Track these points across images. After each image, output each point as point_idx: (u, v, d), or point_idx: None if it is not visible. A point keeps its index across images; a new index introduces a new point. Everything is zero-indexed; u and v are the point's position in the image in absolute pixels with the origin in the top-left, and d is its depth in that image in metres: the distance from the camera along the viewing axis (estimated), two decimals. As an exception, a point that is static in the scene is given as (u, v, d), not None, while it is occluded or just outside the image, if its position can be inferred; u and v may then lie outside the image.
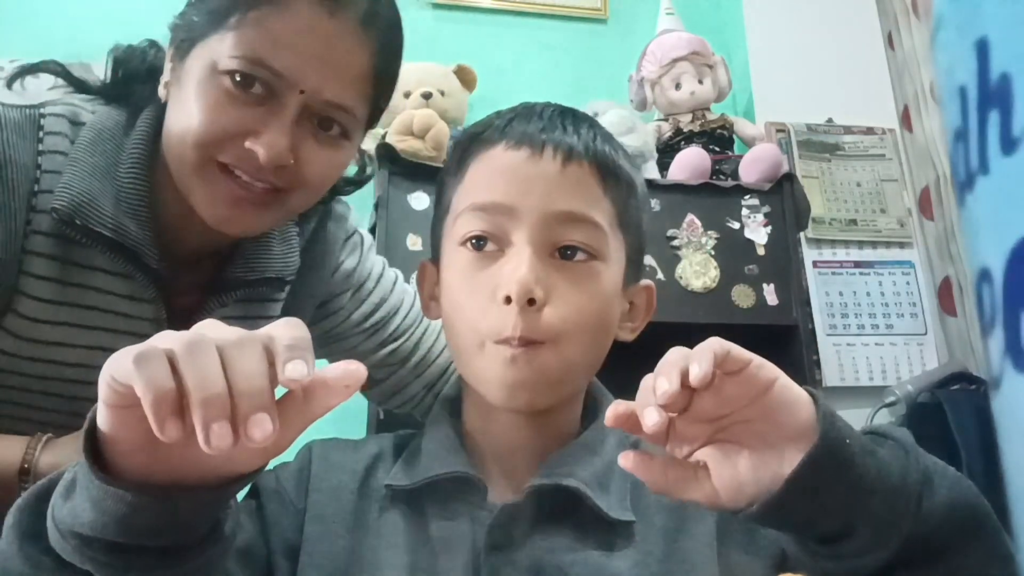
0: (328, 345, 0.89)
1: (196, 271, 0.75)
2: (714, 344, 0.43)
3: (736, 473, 0.44)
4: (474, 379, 0.59)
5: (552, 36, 2.11)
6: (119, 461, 0.39)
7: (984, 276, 0.22)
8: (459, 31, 2.04)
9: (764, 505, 0.44)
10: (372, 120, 0.73)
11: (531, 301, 0.55)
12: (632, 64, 1.88)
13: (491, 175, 0.59)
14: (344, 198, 0.89)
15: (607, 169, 0.60)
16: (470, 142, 0.63)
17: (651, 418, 0.42)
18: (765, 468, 0.44)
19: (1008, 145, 0.21)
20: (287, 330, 0.38)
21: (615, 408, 0.44)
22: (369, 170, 0.90)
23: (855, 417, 1.67)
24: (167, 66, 0.69)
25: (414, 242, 1.40)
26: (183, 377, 0.35)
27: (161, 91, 0.70)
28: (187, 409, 0.35)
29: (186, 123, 0.64)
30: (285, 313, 0.82)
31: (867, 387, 1.76)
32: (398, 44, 0.71)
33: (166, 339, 0.37)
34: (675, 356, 0.44)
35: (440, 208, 0.65)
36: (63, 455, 0.61)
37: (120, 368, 0.35)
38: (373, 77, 0.68)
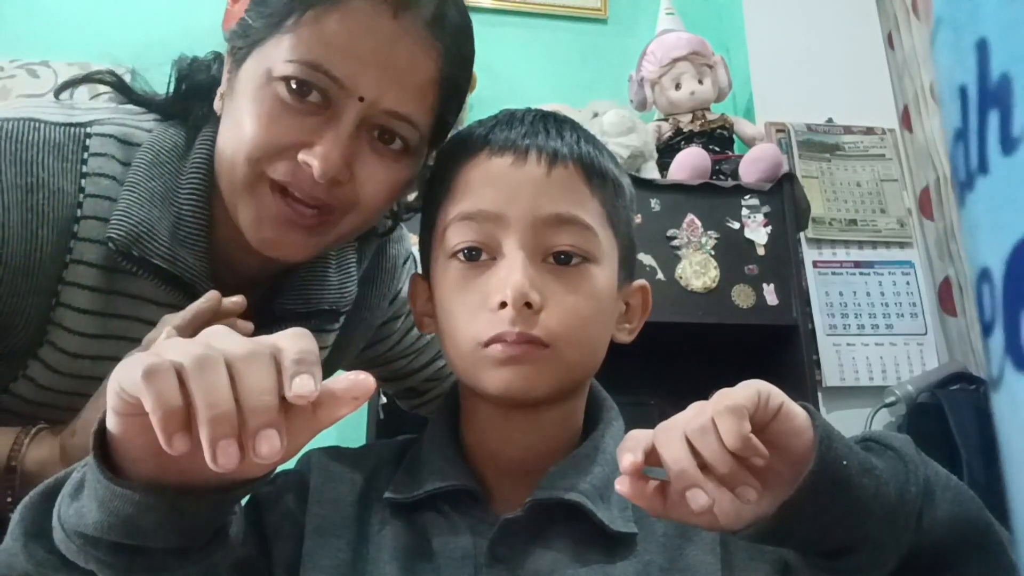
0: (377, 367, 0.86)
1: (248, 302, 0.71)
2: (732, 418, 0.41)
3: (735, 498, 0.44)
4: (471, 380, 0.58)
5: (552, 36, 2.11)
6: (127, 464, 0.39)
7: (984, 276, 0.22)
8: (459, 31, 2.04)
9: (761, 529, 0.44)
10: (438, 136, 0.67)
11: (528, 305, 0.54)
12: (632, 64, 1.88)
13: (476, 183, 0.58)
14: None
15: (593, 170, 0.59)
16: (453, 152, 0.62)
17: (699, 501, 0.41)
18: (764, 493, 0.44)
19: (1008, 145, 0.21)
20: (294, 342, 0.38)
21: (630, 462, 0.44)
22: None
23: (855, 417, 1.68)
24: (224, 77, 0.64)
25: (414, 242, 1.39)
26: (192, 393, 0.35)
27: (217, 104, 0.65)
28: (194, 422, 0.35)
29: (238, 135, 0.59)
30: (338, 342, 0.79)
31: (867, 387, 1.76)
32: (468, 51, 0.66)
33: (175, 349, 0.36)
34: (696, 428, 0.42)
35: (427, 221, 0.64)
36: (48, 451, 0.59)
37: (129, 380, 0.35)
38: (439, 86, 0.62)
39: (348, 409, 0.38)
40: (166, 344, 0.38)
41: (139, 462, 0.39)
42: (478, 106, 1.84)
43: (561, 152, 0.58)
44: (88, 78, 0.69)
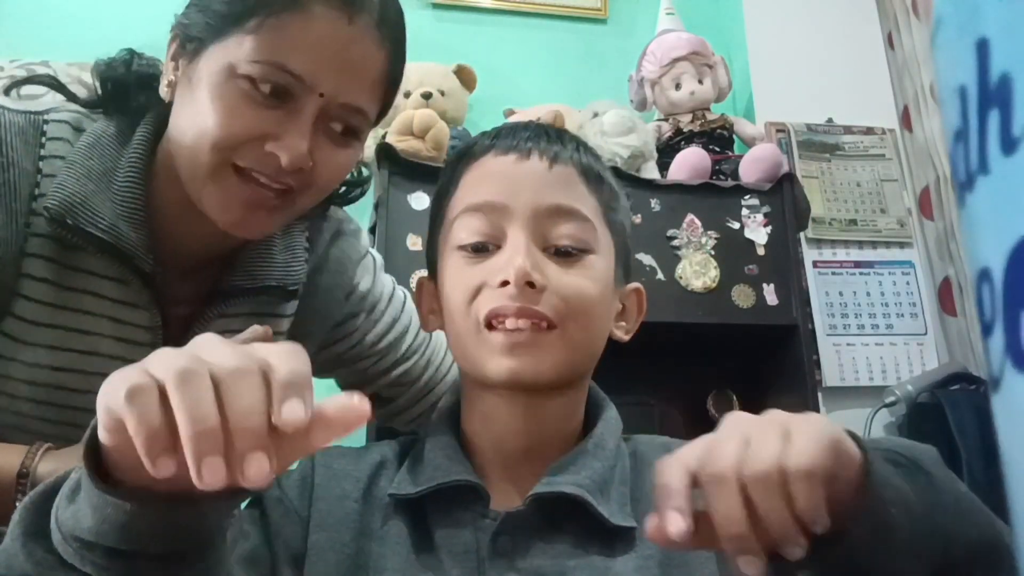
0: (340, 367, 0.87)
1: (195, 280, 0.74)
2: (808, 486, 0.36)
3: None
4: (476, 366, 0.59)
5: (552, 36, 2.11)
6: (119, 472, 0.39)
7: (984, 276, 0.22)
8: (459, 31, 2.04)
9: (783, 567, 0.41)
10: (378, 119, 0.74)
11: (531, 285, 0.57)
12: (632, 64, 1.88)
13: (482, 179, 0.62)
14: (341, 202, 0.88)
15: (591, 171, 0.63)
16: (460, 158, 0.66)
17: (752, 570, 0.37)
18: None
19: (1008, 145, 0.21)
20: (286, 361, 0.37)
21: (679, 530, 0.38)
22: (366, 171, 0.90)
23: (855, 417, 1.68)
24: (168, 65, 0.69)
25: (414, 242, 1.40)
26: (175, 410, 0.34)
27: (164, 91, 0.69)
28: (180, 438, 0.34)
29: (201, 125, 0.63)
30: (295, 331, 0.80)
31: (867, 387, 1.76)
32: (404, 44, 0.72)
33: (160, 365, 0.36)
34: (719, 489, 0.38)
35: (435, 221, 0.67)
36: (61, 465, 0.61)
37: (113, 400, 0.35)
38: (386, 79, 0.69)
39: (341, 434, 0.37)
40: (152, 356, 0.37)
41: (132, 471, 0.38)
42: (478, 106, 1.84)
43: (562, 154, 0.62)
44: (29, 80, 0.76)
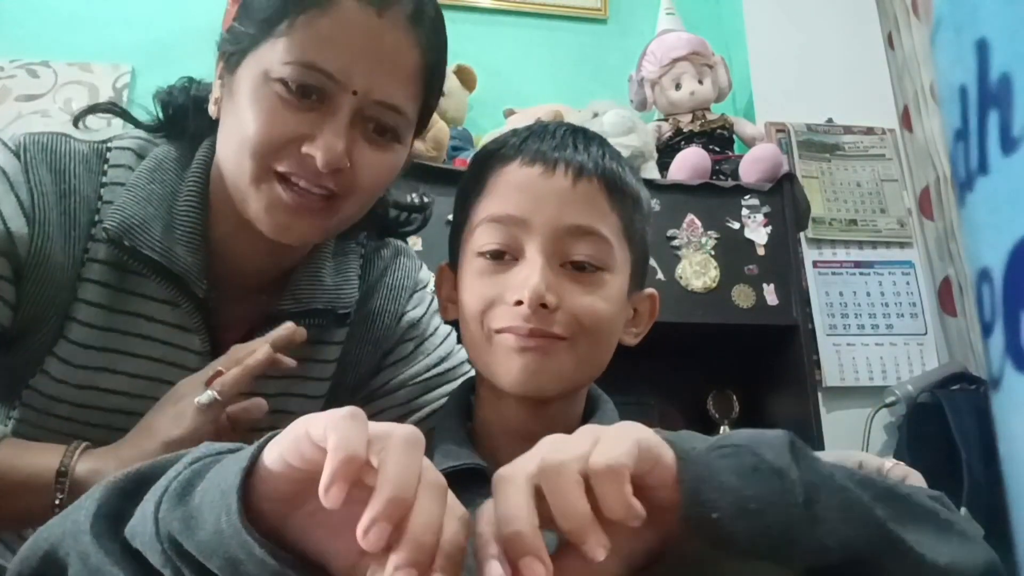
0: (383, 397, 0.84)
1: (247, 306, 0.74)
2: (614, 481, 0.37)
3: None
4: (487, 370, 0.62)
5: (552, 36, 2.11)
6: (260, 504, 0.37)
7: (984, 276, 0.22)
8: (459, 31, 2.04)
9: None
10: (422, 122, 0.73)
11: (544, 306, 0.58)
12: (632, 64, 1.88)
13: (507, 189, 0.63)
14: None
15: (614, 185, 0.64)
16: (488, 158, 0.66)
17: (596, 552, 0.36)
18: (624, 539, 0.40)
19: (1008, 145, 0.21)
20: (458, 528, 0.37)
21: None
22: (428, 198, 0.89)
23: (855, 417, 1.68)
24: (215, 84, 0.70)
25: (414, 242, 1.40)
26: (386, 462, 0.35)
27: (212, 108, 0.70)
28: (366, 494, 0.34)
29: (242, 133, 0.64)
30: (344, 358, 0.80)
31: (867, 387, 1.76)
32: (444, 42, 0.71)
33: (381, 426, 0.37)
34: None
35: (459, 218, 0.68)
36: (100, 464, 0.61)
37: (321, 424, 0.35)
38: (422, 75, 0.68)
39: None
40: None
41: (271, 510, 0.37)
42: (478, 106, 1.84)
43: (587, 167, 0.63)
44: (94, 108, 0.76)
